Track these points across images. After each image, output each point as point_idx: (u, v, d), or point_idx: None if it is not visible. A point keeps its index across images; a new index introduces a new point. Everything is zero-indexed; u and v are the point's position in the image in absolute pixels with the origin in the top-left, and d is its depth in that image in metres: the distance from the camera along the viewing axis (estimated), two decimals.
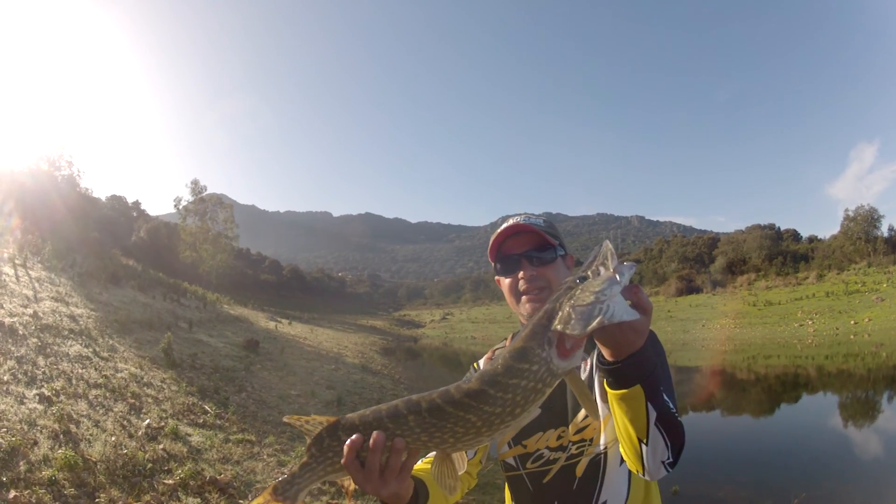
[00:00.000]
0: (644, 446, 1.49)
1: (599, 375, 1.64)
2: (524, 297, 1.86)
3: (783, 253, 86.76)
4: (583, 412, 1.83)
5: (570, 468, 1.82)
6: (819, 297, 60.76)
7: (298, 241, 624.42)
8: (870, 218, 75.81)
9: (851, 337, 40.50)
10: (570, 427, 1.85)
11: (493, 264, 1.99)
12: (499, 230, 1.93)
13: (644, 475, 1.56)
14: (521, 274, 1.87)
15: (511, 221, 1.93)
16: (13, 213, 25.18)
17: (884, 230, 75.89)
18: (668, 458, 1.52)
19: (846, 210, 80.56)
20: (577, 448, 1.82)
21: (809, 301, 60.86)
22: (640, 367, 1.37)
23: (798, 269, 79.40)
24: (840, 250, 77.13)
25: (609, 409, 1.71)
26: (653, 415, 1.44)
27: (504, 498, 2.09)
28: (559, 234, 1.97)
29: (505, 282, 1.94)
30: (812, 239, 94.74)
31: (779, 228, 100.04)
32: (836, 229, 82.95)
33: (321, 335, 40.91)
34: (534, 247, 1.88)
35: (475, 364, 2.11)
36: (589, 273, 1.28)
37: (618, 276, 1.23)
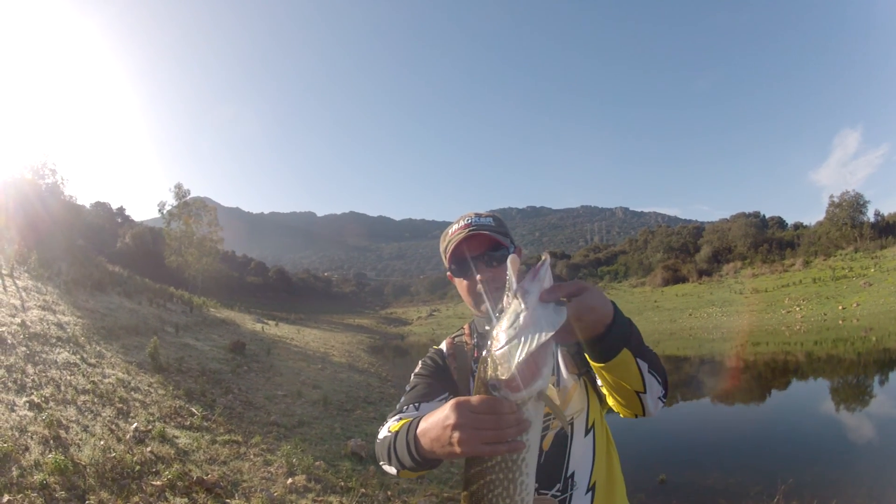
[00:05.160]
0: (643, 395, 1.59)
1: (571, 355, 1.79)
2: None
3: (769, 240, 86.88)
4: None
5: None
6: (806, 284, 61.32)
7: (283, 242, 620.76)
8: (855, 204, 76.19)
9: (840, 322, 40.62)
10: None
11: (447, 265, 2.02)
12: (451, 236, 1.98)
13: (643, 416, 1.67)
14: (478, 277, 1.90)
15: (462, 223, 1.98)
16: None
17: (870, 215, 76.41)
18: (662, 393, 1.64)
19: (831, 196, 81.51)
20: (543, 423, 1.89)
21: (796, 288, 61.36)
22: (620, 334, 1.44)
23: (784, 256, 79.68)
24: (826, 236, 77.37)
25: (576, 378, 1.83)
26: (644, 366, 1.54)
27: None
28: (508, 230, 2.02)
29: (463, 283, 1.99)
30: (798, 226, 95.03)
31: (764, 216, 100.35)
32: (821, 216, 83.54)
33: (308, 335, 40.87)
34: (488, 248, 1.93)
35: (434, 346, 2.19)
36: (504, 308, 1.29)
37: (522, 305, 1.24)
